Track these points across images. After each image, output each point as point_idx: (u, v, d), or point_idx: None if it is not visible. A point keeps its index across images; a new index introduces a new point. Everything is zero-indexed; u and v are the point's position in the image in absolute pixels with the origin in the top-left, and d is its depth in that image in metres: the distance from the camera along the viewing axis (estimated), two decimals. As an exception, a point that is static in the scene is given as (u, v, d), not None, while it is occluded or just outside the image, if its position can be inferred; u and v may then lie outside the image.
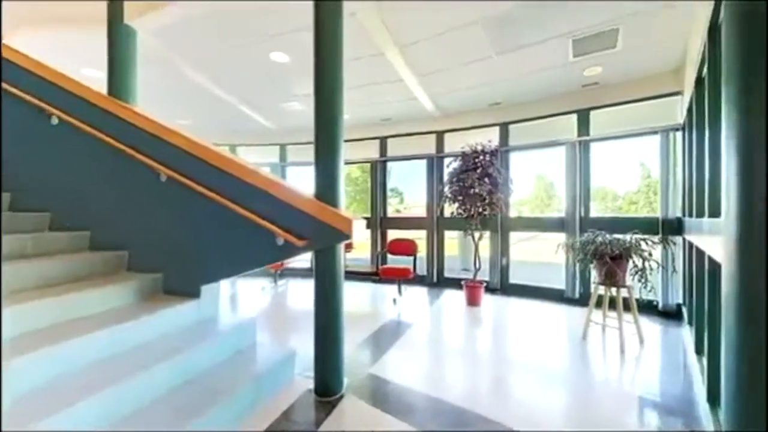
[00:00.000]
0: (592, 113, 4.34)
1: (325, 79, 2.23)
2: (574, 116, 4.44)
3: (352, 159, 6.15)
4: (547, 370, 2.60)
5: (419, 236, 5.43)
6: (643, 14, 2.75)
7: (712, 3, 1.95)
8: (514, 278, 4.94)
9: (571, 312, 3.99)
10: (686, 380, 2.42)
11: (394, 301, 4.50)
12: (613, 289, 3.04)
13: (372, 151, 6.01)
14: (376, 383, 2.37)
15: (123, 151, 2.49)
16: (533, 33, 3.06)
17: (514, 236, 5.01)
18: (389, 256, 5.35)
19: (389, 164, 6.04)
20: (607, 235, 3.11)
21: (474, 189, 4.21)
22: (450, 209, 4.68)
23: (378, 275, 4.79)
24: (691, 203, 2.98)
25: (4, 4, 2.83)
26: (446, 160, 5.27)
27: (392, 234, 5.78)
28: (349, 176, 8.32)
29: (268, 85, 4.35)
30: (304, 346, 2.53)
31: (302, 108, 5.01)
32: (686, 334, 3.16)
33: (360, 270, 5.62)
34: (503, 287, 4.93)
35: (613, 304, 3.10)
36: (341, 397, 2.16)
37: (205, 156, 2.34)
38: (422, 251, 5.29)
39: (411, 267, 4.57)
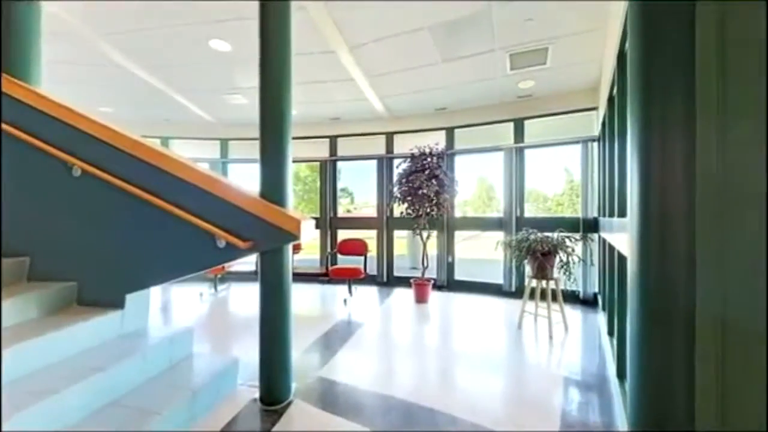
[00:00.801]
0: (527, 122, 4.76)
1: (271, 74, 2.13)
2: (512, 124, 4.83)
3: (301, 157, 5.97)
4: (487, 358, 2.80)
5: (369, 236, 5.46)
6: (566, 37, 3.08)
7: (620, 34, 2.26)
8: (459, 275, 5.21)
9: (509, 304, 4.34)
10: (600, 359, 2.77)
11: (345, 301, 4.47)
12: (543, 282, 3.37)
13: (322, 150, 5.90)
14: (326, 386, 2.33)
15: (20, 138, 2.12)
16: (476, 44, 3.26)
17: (459, 235, 5.29)
18: (339, 256, 5.29)
19: (339, 164, 5.99)
20: (539, 234, 3.44)
21: (422, 190, 4.36)
22: (399, 209, 4.79)
23: (328, 276, 4.72)
24: (605, 205, 3.42)
25: None
26: (395, 161, 5.37)
27: (342, 234, 5.74)
28: (298, 175, 8.07)
29: (207, 75, 4.02)
30: (248, 353, 2.40)
31: (246, 101, 4.74)
32: (601, 318, 3.62)
33: (309, 271, 5.48)
34: (449, 284, 5.18)
35: (543, 295, 3.43)
36: (289, 403, 2.08)
37: (131, 148, 2.09)
38: (372, 251, 5.34)
39: (361, 267, 4.58)
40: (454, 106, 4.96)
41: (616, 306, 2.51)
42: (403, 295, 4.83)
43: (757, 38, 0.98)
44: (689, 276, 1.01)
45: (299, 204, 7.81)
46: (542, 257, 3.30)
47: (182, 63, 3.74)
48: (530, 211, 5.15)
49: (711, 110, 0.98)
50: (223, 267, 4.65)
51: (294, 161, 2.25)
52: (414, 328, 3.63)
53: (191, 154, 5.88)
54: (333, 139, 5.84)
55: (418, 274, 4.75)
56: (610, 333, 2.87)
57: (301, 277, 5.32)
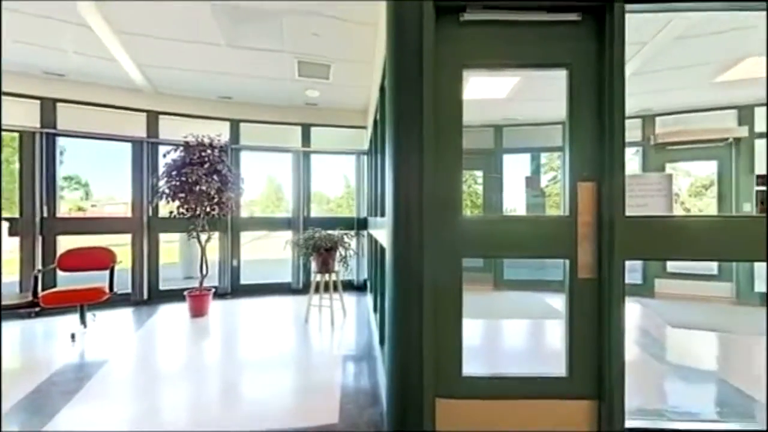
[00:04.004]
0: (313, 129, 5.13)
1: None
2: (300, 128, 5.06)
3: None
4: (276, 359, 2.79)
5: (120, 242, 4.15)
6: (345, 61, 3.57)
7: (381, 73, 2.87)
8: (245, 279, 4.90)
9: (297, 301, 4.51)
10: (369, 333, 3.40)
11: (73, 336, 3.16)
12: (327, 275, 3.75)
13: (27, 116, 3.90)
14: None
15: None
16: (264, 40, 3.17)
17: (246, 236, 4.97)
18: (62, 274, 3.68)
19: (62, 141, 4.17)
20: (323, 232, 3.79)
21: (200, 186, 3.77)
22: (168, 208, 3.92)
23: (38, 305, 3.16)
24: (372, 207, 4.23)
25: None
26: (162, 149, 4.36)
27: (68, 242, 4.03)
28: (-34, 149, 4.95)
29: None
30: None
31: None
32: (369, 300, 4.45)
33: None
34: (234, 290, 4.77)
35: (327, 287, 3.81)
36: None
37: None
38: (125, 261, 4.07)
39: (104, 285, 3.39)
40: (240, 97, 4.61)
41: (378, 287, 3.16)
42: (174, 312, 4.00)
43: (453, 100, 1.51)
44: (420, 257, 1.43)
45: (-31, 196, 4.81)
46: (326, 253, 3.66)
47: None
48: (315, 212, 5.58)
49: (431, 146, 1.43)
50: None
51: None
52: (188, 348, 3.08)
53: None
54: (49, 103, 3.99)
55: (196, 283, 4.08)
56: (375, 310, 3.58)
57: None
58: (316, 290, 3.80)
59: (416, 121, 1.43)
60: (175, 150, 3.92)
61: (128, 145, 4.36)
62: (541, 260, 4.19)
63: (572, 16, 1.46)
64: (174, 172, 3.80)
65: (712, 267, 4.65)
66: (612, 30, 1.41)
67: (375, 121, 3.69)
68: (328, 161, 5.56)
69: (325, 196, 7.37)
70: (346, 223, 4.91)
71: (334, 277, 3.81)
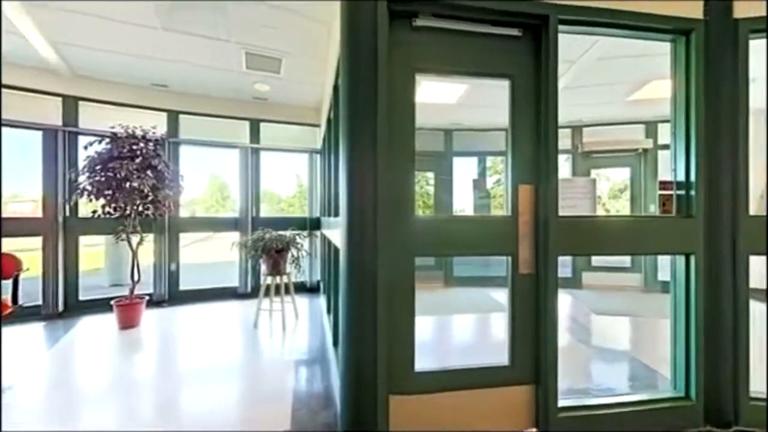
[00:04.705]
0: (263, 125, 4.89)
1: None
2: (248, 123, 4.79)
3: None
4: (222, 369, 2.61)
5: (28, 246, 3.57)
6: (297, 57, 3.46)
7: (335, 72, 2.83)
8: (185, 284, 4.51)
9: (245, 306, 4.27)
10: (322, 335, 3.34)
11: (-37, 360, 2.63)
12: (278, 278, 3.60)
13: None
14: None
15: None
16: (207, 27, 2.95)
17: (187, 237, 4.57)
18: (-53, 285, 3.05)
19: (-53, 125, 3.47)
20: (273, 232, 3.63)
21: (131, 182, 3.39)
22: (91, 207, 3.46)
23: None
24: (325, 206, 4.15)
25: None
26: (83, 139, 3.83)
27: (-44, 247, 3.35)
28: None
29: None
30: None
31: None
32: (323, 301, 4.36)
33: None
34: (172, 297, 4.36)
35: (278, 290, 3.66)
36: None
37: None
38: (35, 269, 3.50)
39: (7, 297, 2.88)
40: (179, 86, 4.23)
41: (332, 288, 3.11)
42: (99, 324, 3.55)
43: (406, 103, 1.54)
44: (374, 256, 1.43)
45: None
46: (277, 254, 3.52)
47: None
48: (266, 211, 5.33)
49: (384, 147, 1.45)
50: None
51: None
52: (116, 365, 2.75)
53: None
54: (-73, 80, 3.30)
55: (125, 291, 3.66)
56: (329, 311, 3.53)
57: None
58: (267, 293, 3.63)
59: (370, 121, 1.43)
60: (100, 142, 3.47)
61: (38, 134, 3.76)
62: (486, 257, 4.47)
63: (514, 32, 1.58)
64: (98, 167, 3.36)
65: (626, 260, 5.35)
66: (548, 46, 1.55)
67: (329, 120, 3.63)
68: (280, 159, 5.34)
69: (276, 195, 7.07)
70: (299, 223, 4.77)
71: (285, 279, 3.67)
